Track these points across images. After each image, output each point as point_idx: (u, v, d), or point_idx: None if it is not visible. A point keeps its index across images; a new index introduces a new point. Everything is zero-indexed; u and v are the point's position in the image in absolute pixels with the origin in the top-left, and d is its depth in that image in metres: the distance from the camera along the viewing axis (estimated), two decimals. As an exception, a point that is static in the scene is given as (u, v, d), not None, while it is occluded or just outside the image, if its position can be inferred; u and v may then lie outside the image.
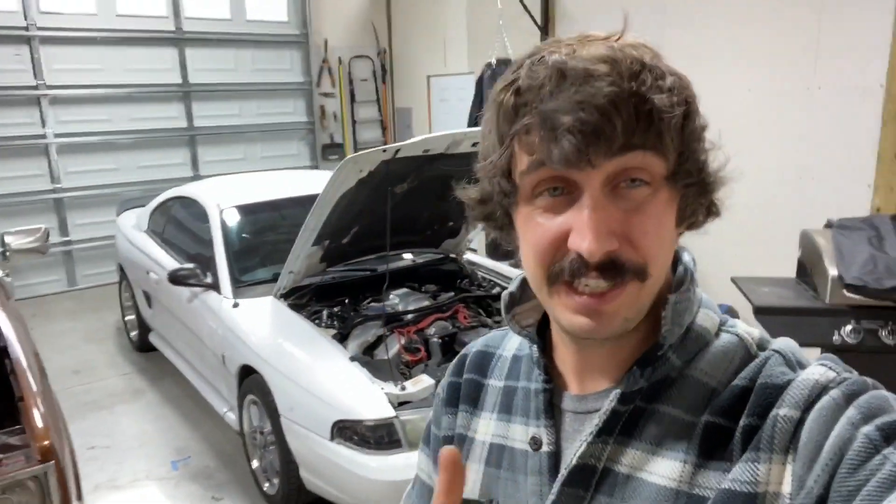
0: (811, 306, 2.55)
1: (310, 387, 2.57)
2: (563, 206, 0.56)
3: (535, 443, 0.66)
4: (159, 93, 6.64)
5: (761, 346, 0.61)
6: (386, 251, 2.89)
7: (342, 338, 2.95)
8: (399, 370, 2.82)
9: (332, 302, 3.25)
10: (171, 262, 3.82)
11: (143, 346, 4.60)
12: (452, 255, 3.78)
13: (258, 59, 7.20)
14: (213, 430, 3.62)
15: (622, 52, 0.55)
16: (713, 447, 0.56)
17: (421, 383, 2.58)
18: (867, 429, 0.49)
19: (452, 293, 3.38)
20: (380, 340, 3.00)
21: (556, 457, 0.64)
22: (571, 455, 0.61)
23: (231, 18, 7.02)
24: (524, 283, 0.69)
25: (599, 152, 0.52)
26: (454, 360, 0.82)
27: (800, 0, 4.00)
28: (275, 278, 3.31)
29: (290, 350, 2.79)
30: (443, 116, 7.61)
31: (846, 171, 3.91)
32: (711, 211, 0.62)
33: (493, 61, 5.67)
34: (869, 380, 0.54)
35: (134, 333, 4.77)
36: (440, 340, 2.96)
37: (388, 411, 2.42)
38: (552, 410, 0.66)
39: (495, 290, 3.51)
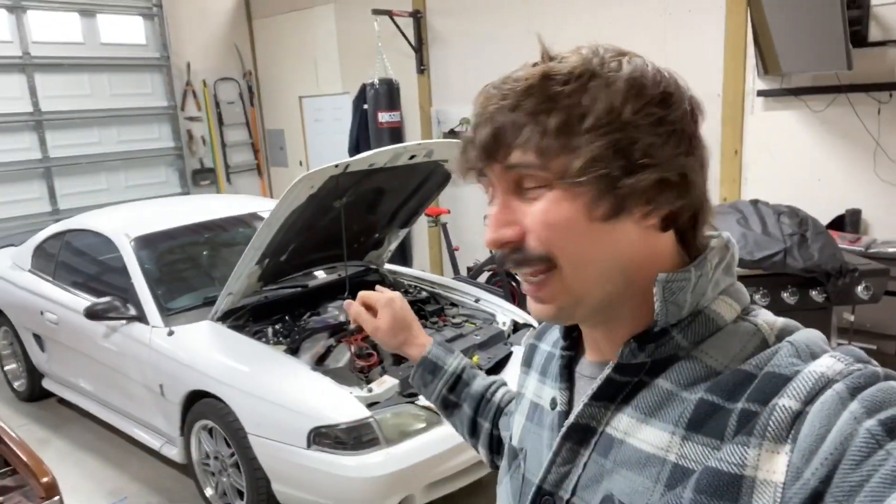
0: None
1: (279, 400, 2.62)
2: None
3: (553, 402, 0.73)
4: (7, 122, 6.07)
5: (780, 336, 0.61)
6: (344, 260, 3.00)
7: (292, 352, 3.00)
8: (356, 376, 2.93)
9: (270, 320, 3.27)
10: (73, 300, 3.59)
11: (34, 395, 4.22)
12: (374, 266, 3.93)
13: (116, 84, 6.82)
14: (143, 468, 3.45)
15: (531, 67, 0.62)
16: (703, 422, 0.58)
17: (386, 383, 2.73)
18: (870, 423, 0.48)
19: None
20: (329, 351, 3.09)
21: (567, 416, 0.70)
22: (573, 413, 0.68)
23: (83, 42, 6.60)
24: None
25: (486, 161, 0.63)
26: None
27: (649, 19, 4.66)
28: (204, 303, 3.27)
29: (248, 368, 2.80)
30: (318, 136, 7.67)
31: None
32: (664, 199, 0.61)
33: (376, 81, 5.89)
34: (881, 370, 0.53)
35: (19, 383, 4.35)
36: (388, 344, 3.11)
37: (363, 412, 2.54)
38: (569, 375, 0.74)
39: (422, 294, 3.71)
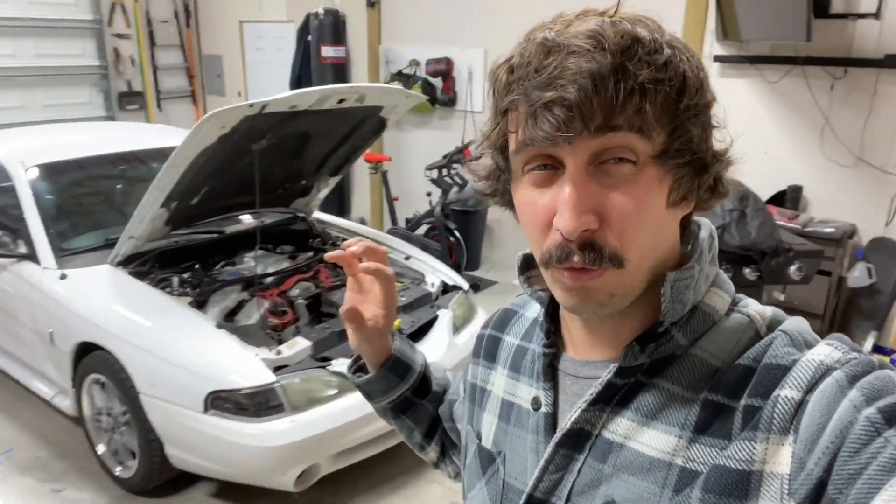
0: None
1: (175, 359, 2.40)
2: (550, 181, 0.57)
3: (536, 403, 0.68)
4: None
5: (771, 326, 0.60)
6: (256, 208, 2.73)
7: (199, 305, 2.77)
8: (267, 335, 2.74)
9: (178, 268, 3.01)
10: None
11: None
12: (301, 214, 3.69)
13: (34, -10, 6.16)
14: (35, 418, 3.21)
15: (613, 26, 0.54)
16: (710, 423, 0.56)
17: (297, 345, 2.54)
18: (869, 411, 0.48)
19: (311, 253, 3.31)
20: (241, 306, 2.87)
21: (553, 418, 0.66)
22: (567, 418, 0.63)
23: (-6, -62, 5.89)
24: None
25: (577, 130, 0.52)
26: (491, 315, 0.85)
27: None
28: (106, 245, 2.99)
29: (145, 321, 2.56)
30: (259, 66, 7.19)
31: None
32: (717, 190, 0.61)
33: (321, 11, 5.48)
34: (875, 359, 0.53)
35: None
36: (306, 301, 2.91)
37: (267, 377, 2.36)
38: (553, 373, 0.68)
39: (350, 248, 3.50)
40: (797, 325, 0.59)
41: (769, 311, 0.62)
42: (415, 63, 5.66)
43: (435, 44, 5.52)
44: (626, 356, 0.60)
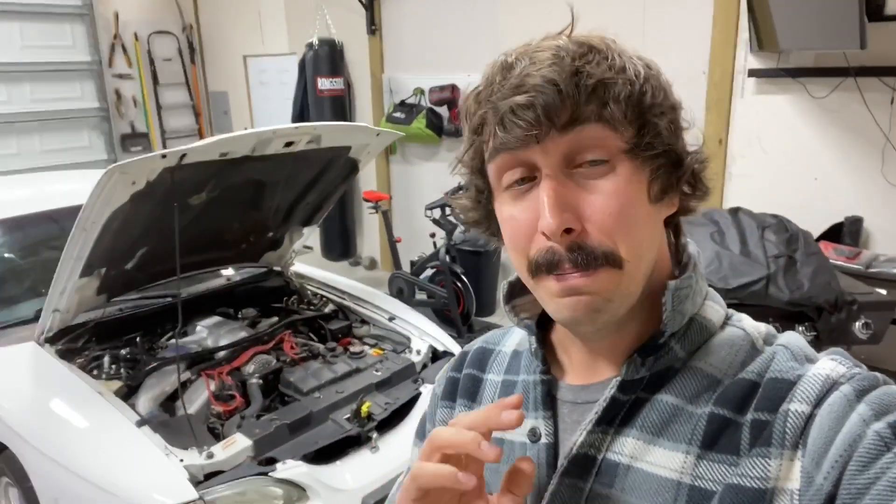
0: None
1: (81, 470, 1.95)
2: (529, 193, 0.57)
3: (534, 434, 0.65)
4: None
5: (767, 341, 0.60)
6: (177, 275, 2.28)
7: (131, 391, 2.33)
8: (209, 425, 2.28)
9: (119, 342, 2.59)
10: None
11: None
12: (277, 269, 3.25)
13: (28, 34, 5.99)
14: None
15: (568, 39, 0.56)
16: (717, 439, 0.55)
17: (234, 446, 2.06)
18: (878, 426, 0.48)
19: (276, 318, 2.86)
20: (186, 387, 2.42)
21: (554, 448, 0.63)
22: (570, 445, 0.60)
23: (-13, -17, 5.75)
24: None
25: (545, 129, 0.53)
26: (455, 357, 0.81)
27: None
28: (37, 318, 2.58)
29: (54, 418, 2.13)
30: (263, 102, 6.90)
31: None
32: (697, 188, 0.61)
33: (315, 41, 5.12)
34: (879, 375, 0.53)
35: None
36: (261, 381, 2.45)
37: (187, 493, 1.87)
38: (551, 402, 0.66)
39: (328, 309, 3.04)
40: (796, 340, 0.59)
41: (762, 326, 0.63)
42: (419, 92, 5.24)
43: (440, 71, 5.09)
44: (629, 369, 0.60)
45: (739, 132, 3.77)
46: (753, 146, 3.74)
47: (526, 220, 0.56)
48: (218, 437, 2.21)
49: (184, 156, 1.96)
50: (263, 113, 6.95)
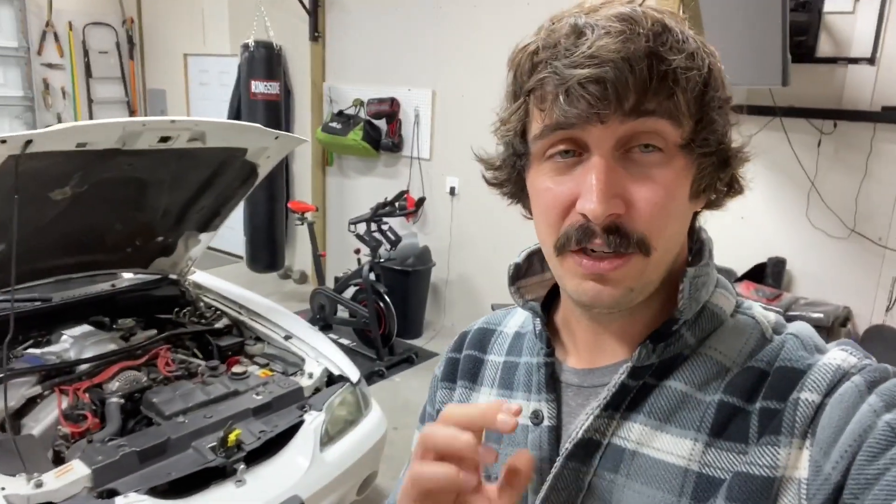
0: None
1: None
2: (572, 168, 0.55)
3: (537, 417, 0.64)
4: None
5: (777, 329, 0.60)
6: (11, 283, 2.02)
7: (-31, 405, 2.06)
8: (55, 448, 2.03)
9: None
10: None
11: None
12: (173, 277, 3.01)
13: (-51, 13, 5.64)
14: None
15: (643, 12, 0.53)
16: (726, 426, 0.54)
17: (69, 474, 1.82)
18: (889, 417, 0.47)
19: (155, 331, 2.62)
20: (35, 404, 2.17)
21: (556, 431, 0.63)
22: (575, 429, 0.60)
23: None
24: (531, 255, 0.70)
25: (610, 110, 0.51)
26: (456, 338, 0.80)
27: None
28: None
29: None
30: (202, 102, 6.64)
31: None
32: (733, 187, 0.60)
33: (251, 43, 4.92)
34: (890, 367, 0.53)
35: None
36: (122, 400, 2.20)
37: (0, 528, 1.63)
38: (554, 385, 0.65)
39: (221, 323, 2.81)
40: (806, 329, 0.59)
41: (772, 314, 0.62)
42: (358, 103, 5.08)
43: (381, 83, 4.95)
44: (640, 355, 0.58)
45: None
46: (684, 180, 3.68)
47: (564, 195, 0.55)
48: (62, 462, 1.96)
49: (29, 142, 1.73)
50: (201, 113, 6.68)
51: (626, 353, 0.60)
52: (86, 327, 2.49)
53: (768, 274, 3.35)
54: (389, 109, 4.86)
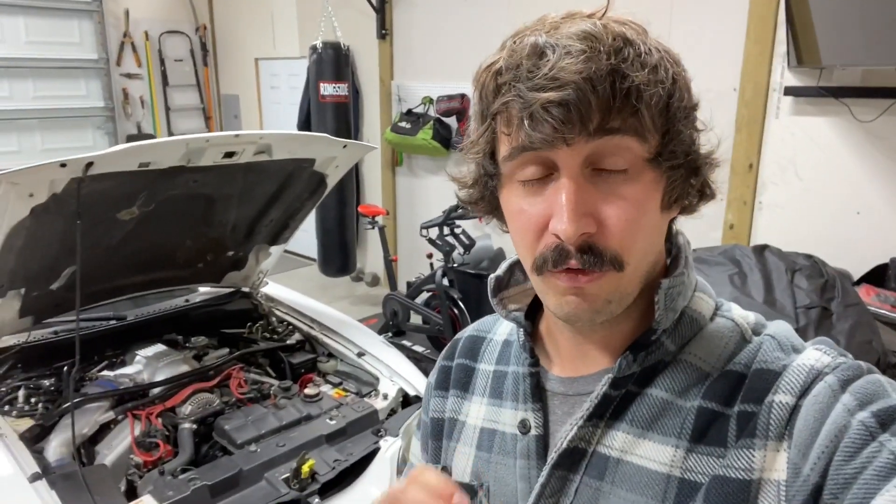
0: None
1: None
2: (544, 187, 0.55)
3: (524, 426, 0.65)
4: None
5: (756, 330, 0.60)
6: (76, 305, 1.96)
7: (44, 432, 2.03)
8: (129, 478, 1.96)
9: (48, 370, 2.30)
10: None
11: None
12: (245, 290, 2.94)
13: (34, 30, 5.83)
14: None
15: (604, 28, 0.52)
16: (706, 432, 0.55)
17: (139, 511, 1.74)
18: (863, 415, 0.48)
19: (227, 350, 2.54)
20: (108, 429, 2.12)
21: (544, 440, 0.64)
22: (561, 438, 0.61)
23: (-7, -24, 5.62)
24: (512, 266, 0.71)
25: (575, 132, 0.51)
26: (448, 345, 0.81)
27: (650, 3, 3.55)
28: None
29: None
30: (273, 106, 6.66)
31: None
32: (705, 193, 0.60)
33: (319, 44, 4.85)
34: (864, 364, 0.53)
35: None
36: (195, 426, 2.13)
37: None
38: (540, 394, 0.66)
39: (293, 339, 2.72)
40: (783, 329, 0.60)
41: (751, 315, 0.62)
42: (427, 100, 4.92)
43: (450, 79, 4.77)
44: (621, 367, 0.59)
45: (772, 156, 3.36)
46: (787, 173, 3.32)
47: (537, 216, 0.55)
48: (135, 492, 1.90)
49: (90, 164, 1.65)
50: (272, 117, 6.71)
51: (609, 362, 0.61)
52: (159, 346, 2.44)
53: (891, 276, 2.96)
54: (460, 106, 4.68)
